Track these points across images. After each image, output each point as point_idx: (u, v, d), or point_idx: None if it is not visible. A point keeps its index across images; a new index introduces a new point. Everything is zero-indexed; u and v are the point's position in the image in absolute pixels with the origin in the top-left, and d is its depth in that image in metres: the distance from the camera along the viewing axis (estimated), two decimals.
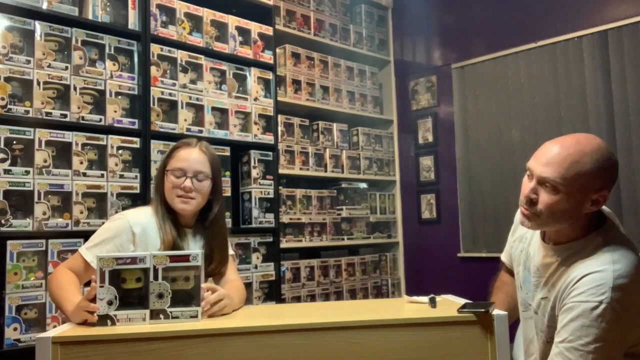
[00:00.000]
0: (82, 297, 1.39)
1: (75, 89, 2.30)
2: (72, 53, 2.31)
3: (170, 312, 1.34)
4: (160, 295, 1.33)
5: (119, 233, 1.66)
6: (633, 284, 1.30)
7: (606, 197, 1.37)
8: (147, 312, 1.32)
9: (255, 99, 2.98)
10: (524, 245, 1.59)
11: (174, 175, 1.70)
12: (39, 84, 2.21)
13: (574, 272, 1.36)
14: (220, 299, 1.46)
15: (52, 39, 2.27)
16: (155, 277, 1.33)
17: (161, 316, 1.33)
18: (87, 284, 1.67)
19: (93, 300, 1.33)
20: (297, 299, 3.25)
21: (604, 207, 1.49)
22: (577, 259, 1.39)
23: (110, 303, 1.31)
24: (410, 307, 1.48)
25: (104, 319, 1.31)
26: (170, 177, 1.70)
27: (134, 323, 1.31)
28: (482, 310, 1.28)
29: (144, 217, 1.71)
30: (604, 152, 1.36)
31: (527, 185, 1.43)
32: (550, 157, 1.38)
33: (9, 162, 2.11)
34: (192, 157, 1.72)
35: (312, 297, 3.34)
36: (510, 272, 1.73)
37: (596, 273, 1.31)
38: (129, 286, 1.32)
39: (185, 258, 1.36)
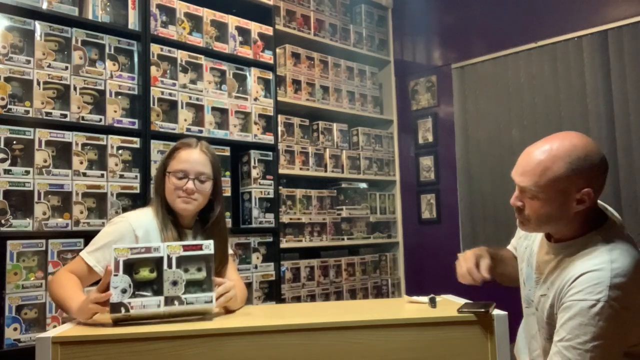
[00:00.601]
0: (94, 290, 1.37)
1: (75, 89, 2.30)
2: (72, 53, 2.31)
3: (185, 299, 1.33)
4: (175, 283, 1.33)
5: (122, 236, 1.64)
6: (631, 283, 1.30)
7: (591, 195, 1.37)
8: (162, 298, 1.32)
9: (255, 99, 2.98)
10: (528, 242, 1.61)
11: (175, 177, 1.69)
12: (39, 84, 2.21)
13: (573, 270, 1.36)
14: (227, 290, 1.46)
15: (52, 39, 2.27)
16: (169, 266, 1.34)
17: (176, 302, 1.32)
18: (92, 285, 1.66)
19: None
20: (297, 299, 3.25)
21: (606, 207, 1.50)
22: (576, 257, 1.39)
23: (124, 291, 1.30)
24: (410, 307, 1.48)
25: (117, 307, 1.29)
26: (172, 179, 1.69)
27: (148, 310, 1.30)
28: (482, 310, 1.28)
29: (146, 219, 1.69)
30: (578, 153, 1.36)
31: (515, 192, 1.47)
32: (524, 165, 1.42)
33: (9, 162, 2.11)
34: (194, 158, 1.71)
35: (312, 297, 3.34)
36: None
37: (594, 271, 1.32)
38: (142, 277, 1.32)
39: (198, 247, 1.39)
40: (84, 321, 1.37)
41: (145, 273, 1.32)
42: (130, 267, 1.32)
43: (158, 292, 1.32)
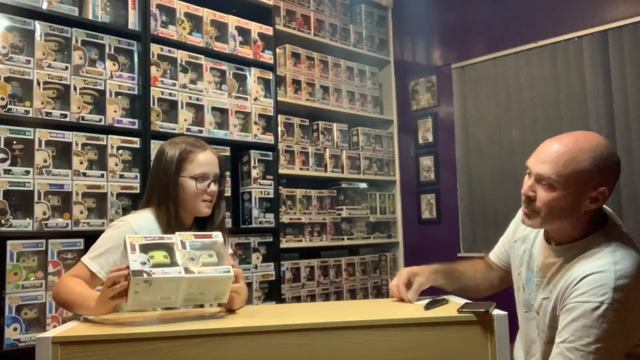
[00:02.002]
0: (104, 286, 1.34)
1: (75, 89, 2.30)
2: (72, 53, 2.31)
3: (204, 270, 1.32)
4: (192, 259, 1.34)
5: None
6: (635, 285, 1.30)
7: (605, 194, 1.36)
8: (182, 268, 1.30)
9: (255, 99, 2.98)
10: (527, 246, 1.59)
11: (198, 182, 1.69)
12: (39, 84, 2.21)
13: (576, 272, 1.36)
14: (238, 279, 1.43)
15: (52, 39, 2.27)
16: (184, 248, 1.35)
17: (195, 272, 1.31)
18: None
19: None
20: (297, 299, 3.25)
21: (606, 208, 1.49)
22: (579, 259, 1.39)
23: (143, 263, 1.28)
24: (410, 307, 1.47)
25: (139, 272, 1.25)
26: (195, 184, 1.68)
27: (170, 275, 1.27)
28: (482, 310, 1.28)
29: (147, 222, 1.67)
30: (602, 150, 1.36)
31: (526, 183, 1.45)
32: (547, 154, 1.39)
33: (9, 162, 2.11)
34: (211, 160, 1.73)
35: (312, 297, 3.34)
36: (491, 267, 1.76)
37: (598, 273, 1.31)
38: (156, 261, 1.30)
39: (208, 236, 1.41)
40: (105, 315, 1.35)
41: (160, 258, 1.31)
42: (145, 251, 1.31)
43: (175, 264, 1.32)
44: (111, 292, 1.30)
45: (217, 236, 1.42)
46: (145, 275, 1.25)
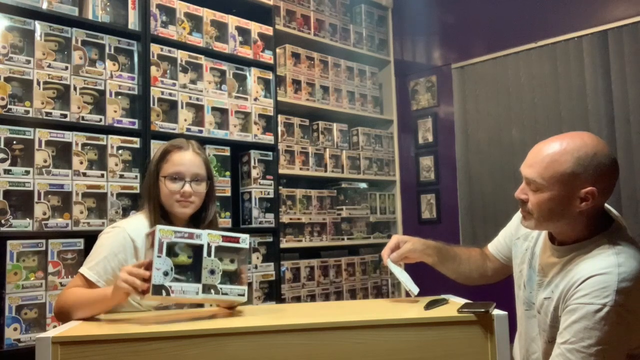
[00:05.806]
0: (129, 265, 1.37)
1: (75, 89, 2.30)
2: (72, 53, 2.31)
3: (221, 289, 1.36)
4: (212, 272, 1.36)
5: (123, 247, 1.59)
6: (638, 287, 1.30)
7: (594, 194, 1.36)
8: (200, 286, 1.33)
9: (255, 99, 2.98)
10: (529, 243, 1.59)
11: (171, 181, 1.66)
12: (39, 84, 2.21)
13: (579, 273, 1.35)
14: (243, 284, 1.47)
15: (52, 39, 2.28)
16: (209, 254, 1.36)
17: (212, 291, 1.35)
18: None
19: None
20: (297, 299, 3.25)
21: (611, 210, 1.49)
22: (581, 260, 1.38)
23: (165, 274, 1.30)
24: (411, 307, 1.48)
25: (159, 289, 1.29)
26: (167, 183, 1.66)
27: (187, 295, 1.32)
28: (482, 310, 1.28)
29: (142, 227, 1.65)
30: (587, 150, 1.36)
31: (521, 186, 1.47)
32: (533, 157, 1.43)
33: (9, 162, 2.11)
34: (188, 160, 1.68)
35: (312, 297, 3.34)
36: (487, 257, 1.77)
37: (601, 275, 1.31)
38: (179, 261, 1.33)
39: (236, 239, 1.41)
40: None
41: (183, 258, 1.33)
42: (169, 250, 1.32)
43: (193, 278, 1.34)
44: (129, 290, 1.33)
45: (244, 241, 1.42)
46: (163, 294, 1.29)
